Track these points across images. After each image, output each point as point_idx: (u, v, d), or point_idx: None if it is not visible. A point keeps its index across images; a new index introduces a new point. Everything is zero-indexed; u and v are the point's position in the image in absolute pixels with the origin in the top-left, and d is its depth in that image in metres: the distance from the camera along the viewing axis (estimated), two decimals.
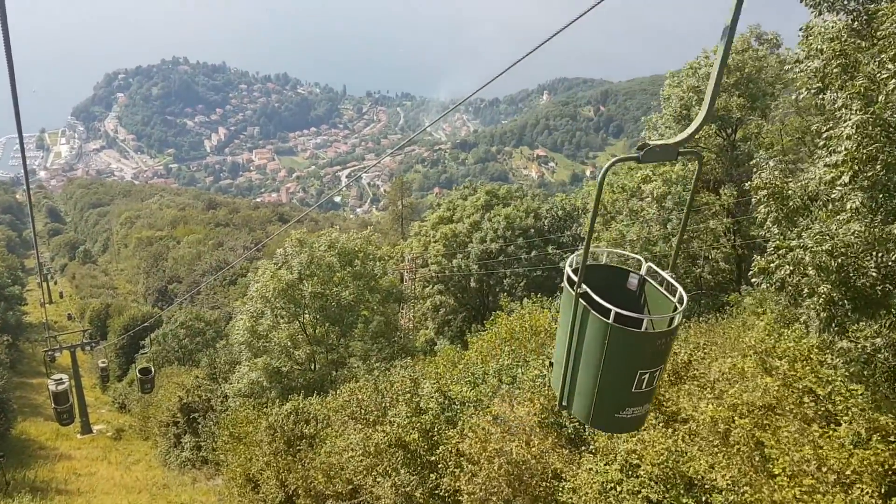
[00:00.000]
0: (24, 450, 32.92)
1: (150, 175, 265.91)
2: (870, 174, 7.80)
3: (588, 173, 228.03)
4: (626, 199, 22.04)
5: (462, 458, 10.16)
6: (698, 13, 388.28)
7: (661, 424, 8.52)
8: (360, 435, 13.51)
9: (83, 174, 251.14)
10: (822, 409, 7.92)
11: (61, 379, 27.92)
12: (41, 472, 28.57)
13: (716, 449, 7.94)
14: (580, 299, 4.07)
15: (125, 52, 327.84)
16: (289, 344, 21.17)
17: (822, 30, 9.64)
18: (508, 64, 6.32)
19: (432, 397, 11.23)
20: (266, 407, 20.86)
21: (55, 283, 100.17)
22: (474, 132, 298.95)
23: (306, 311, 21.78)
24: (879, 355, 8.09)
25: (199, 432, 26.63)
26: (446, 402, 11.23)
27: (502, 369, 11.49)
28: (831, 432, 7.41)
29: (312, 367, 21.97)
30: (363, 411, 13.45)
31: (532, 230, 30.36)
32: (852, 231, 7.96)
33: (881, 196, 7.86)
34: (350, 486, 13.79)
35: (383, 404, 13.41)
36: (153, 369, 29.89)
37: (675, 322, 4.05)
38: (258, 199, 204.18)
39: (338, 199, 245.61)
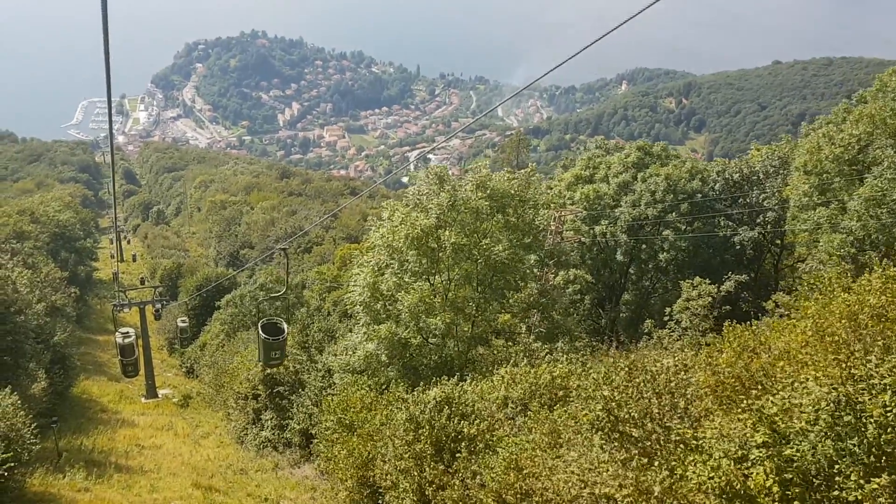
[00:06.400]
0: (84, 411, 29.62)
1: (223, 146, 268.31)
2: None
3: None
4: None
5: None
6: (789, 5, 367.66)
7: None
8: (603, 455, 8.20)
9: (159, 140, 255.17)
10: None
11: (128, 332, 27.35)
12: (99, 441, 24.82)
13: None
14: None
15: (205, 22, 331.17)
16: (421, 309, 15.80)
17: None
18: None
19: (819, 410, 5.80)
20: (387, 389, 15.86)
21: (128, 242, 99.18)
22: (548, 119, 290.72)
23: (443, 269, 16.44)
24: None
25: (287, 410, 21.99)
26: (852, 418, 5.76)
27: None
28: None
29: (446, 343, 16.68)
30: (611, 419, 8.13)
31: (699, 195, 24.33)
32: None
33: None
34: None
35: (647, 410, 8.08)
36: (287, 328, 18.74)
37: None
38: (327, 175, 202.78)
39: (405, 178, 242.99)
